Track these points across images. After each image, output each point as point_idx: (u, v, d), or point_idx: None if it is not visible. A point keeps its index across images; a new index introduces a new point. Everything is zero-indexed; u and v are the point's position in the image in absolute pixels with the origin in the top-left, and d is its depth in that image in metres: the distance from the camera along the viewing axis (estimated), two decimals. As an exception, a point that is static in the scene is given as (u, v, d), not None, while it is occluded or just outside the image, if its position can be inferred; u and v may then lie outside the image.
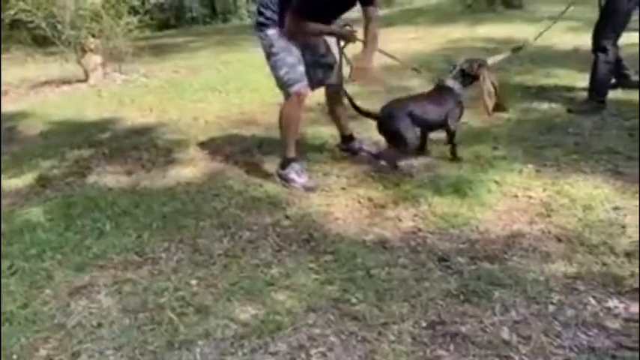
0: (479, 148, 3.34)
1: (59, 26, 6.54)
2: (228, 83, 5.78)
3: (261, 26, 3.03)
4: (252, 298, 2.12)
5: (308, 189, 3.00)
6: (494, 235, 2.43)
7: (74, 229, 2.79)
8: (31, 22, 6.58)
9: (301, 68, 3.01)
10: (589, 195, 2.66)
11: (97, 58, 6.81)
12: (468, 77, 3.17)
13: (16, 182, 3.55)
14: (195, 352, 1.87)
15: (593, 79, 3.83)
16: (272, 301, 2.09)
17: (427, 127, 3.19)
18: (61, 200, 3.18)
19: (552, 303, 1.96)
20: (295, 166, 3.10)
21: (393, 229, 2.56)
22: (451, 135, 3.22)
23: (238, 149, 3.74)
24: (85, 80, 6.71)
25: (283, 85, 3.03)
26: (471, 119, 3.84)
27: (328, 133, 3.79)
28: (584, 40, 4.01)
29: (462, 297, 2.02)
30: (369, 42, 3.05)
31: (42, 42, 8.40)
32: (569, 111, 3.85)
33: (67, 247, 2.62)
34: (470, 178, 2.94)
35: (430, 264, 2.25)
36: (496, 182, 2.89)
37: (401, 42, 7.04)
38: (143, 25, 7.16)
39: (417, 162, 3.23)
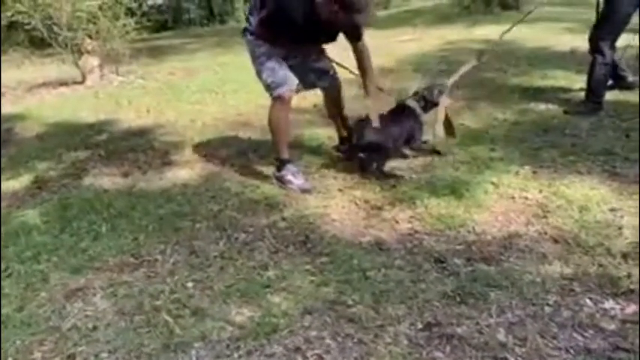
0: (476, 149, 3.34)
1: (56, 28, 6.53)
2: (225, 85, 5.78)
3: (245, 31, 3.07)
4: (248, 301, 2.11)
5: (304, 190, 3.00)
6: (491, 237, 2.42)
7: (70, 231, 2.78)
8: (28, 23, 6.57)
9: (282, 72, 3.00)
10: (585, 196, 2.66)
11: (94, 60, 6.81)
12: (428, 103, 3.30)
13: (12, 184, 3.54)
14: (190, 355, 1.86)
15: (590, 81, 3.83)
16: (268, 303, 2.09)
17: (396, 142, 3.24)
18: (56, 202, 3.17)
19: (548, 304, 1.95)
20: (291, 167, 3.10)
21: (390, 230, 2.56)
22: (418, 149, 3.36)
23: (235, 151, 3.74)
24: (82, 82, 6.71)
25: (267, 88, 3.05)
26: (468, 120, 3.85)
27: (325, 134, 3.79)
28: (581, 42, 4.02)
29: (458, 298, 2.02)
30: (366, 76, 3.12)
31: (39, 44, 8.39)
32: (566, 112, 3.85)
33: (62, 250, 2.61)
34: (467, 180, 2.94)
35: (427, 265, 2.25)
36: (493, 183, 2.89)
37: (398, 43, 7.06)
38: (140, 26, 7.16)
39: (416, 162, 3.24)
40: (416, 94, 3.34)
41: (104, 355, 1.90)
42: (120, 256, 2.54)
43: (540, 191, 2.78)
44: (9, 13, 6.55)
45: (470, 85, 4.55)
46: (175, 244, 2.60)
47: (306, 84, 3.19)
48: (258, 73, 3.06)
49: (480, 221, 2.55)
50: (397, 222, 2.62)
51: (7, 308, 2.19)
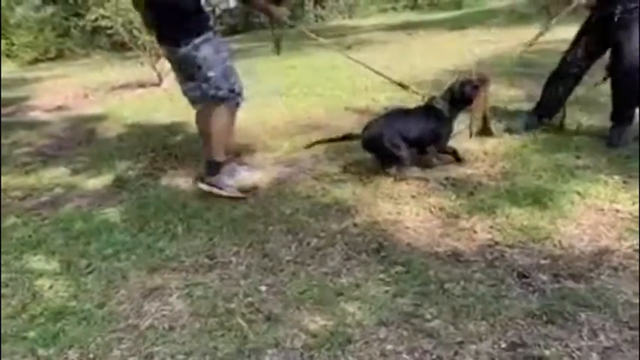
0: (560, 157, 3.16)
1: (135, 31, 6.79)
2: (294, 88, 5.78)
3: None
4: (322, 308, 2.08)
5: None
6: (579, 251, 2.27)
7: (147, 231, 2.86)
8: (110, 27, 6.87)
9: None
10: (686, 210, 2.45)
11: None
12: (460, 101, 3.11)
13: (94, 183, 3.68)
14: (264, 361, 1.85)
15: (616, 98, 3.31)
16: (342, 311, 2.04)
17: (411, 144, 3.11)
18: (135, 201, 3.26)
19: (648, 329, 1.80)
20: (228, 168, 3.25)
21: (468, 241, 2.45)
22: (445, 153, 3.21)
23: (305, 154, 3.71)
24: (159, 84, 6.93)
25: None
26: (550, 125, 3.65)
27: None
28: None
29: (544, 317, 1.89)
30: None
31: (119, 47, 8.79)
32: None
33: (140, 249, 2.68)
34: (550, 189, 2.78)
35: (509, 280, 2.13)
36: (579, 193, 2.71)
37: (473, 44, 6.86)
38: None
39: (494, 169, 3.10)
40: (449, 90, 3.14)
41: (180, 356, 1.92)
42: (195, 256, 2.57)
43: (633, 203, 2.58)
44: (92, 17, 6.88)
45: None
46: (248, 247, 2.61)
47: None
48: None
49: (566, 234, 2.40)
50: (475, 232, 2.51)
51: (89, 304, 2.27)
